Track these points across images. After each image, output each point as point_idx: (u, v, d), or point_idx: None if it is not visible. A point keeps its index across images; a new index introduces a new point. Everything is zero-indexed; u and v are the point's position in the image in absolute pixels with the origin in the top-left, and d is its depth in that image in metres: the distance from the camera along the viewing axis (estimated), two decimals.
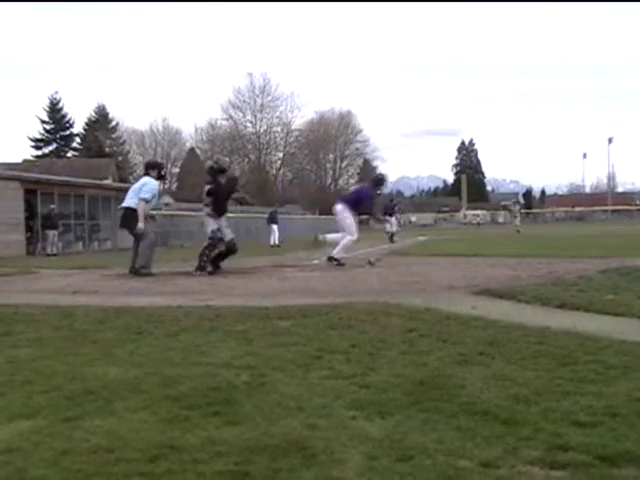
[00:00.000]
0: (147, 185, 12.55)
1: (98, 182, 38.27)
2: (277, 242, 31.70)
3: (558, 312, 6.27)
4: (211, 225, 12.69)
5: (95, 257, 22.85)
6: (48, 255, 26.29)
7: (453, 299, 7.33)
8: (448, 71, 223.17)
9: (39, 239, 28.48)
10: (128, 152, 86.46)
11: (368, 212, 15.01)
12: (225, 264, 12.88)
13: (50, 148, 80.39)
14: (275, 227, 32.93)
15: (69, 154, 79.57)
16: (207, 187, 12.80)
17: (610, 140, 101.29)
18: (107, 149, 78.68)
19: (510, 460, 2.58)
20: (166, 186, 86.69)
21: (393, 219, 31.54)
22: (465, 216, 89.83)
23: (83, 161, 63.62)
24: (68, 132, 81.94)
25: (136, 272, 12.03)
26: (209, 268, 12.36)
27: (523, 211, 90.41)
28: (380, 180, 15.38)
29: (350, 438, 2.86)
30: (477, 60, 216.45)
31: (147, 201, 12.43)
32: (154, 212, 14.37)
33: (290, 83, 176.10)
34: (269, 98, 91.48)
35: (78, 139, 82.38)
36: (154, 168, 13.24)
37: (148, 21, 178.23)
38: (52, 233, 27.98)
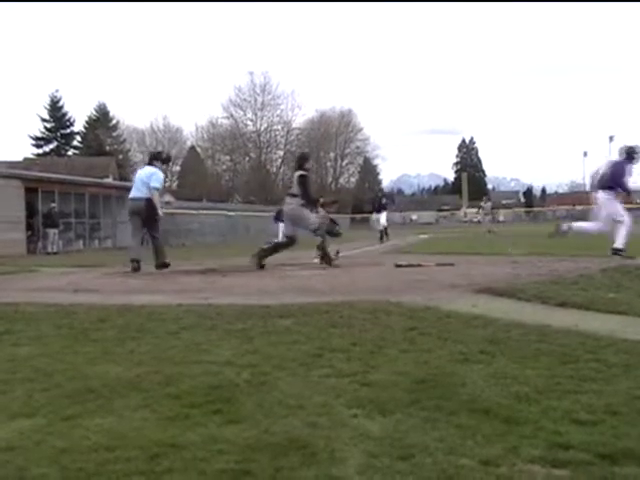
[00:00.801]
0: (156, 174, 12.80)
1: (99, 180, 38.35)
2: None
3: (559, 310, 6.26)
4: (309, 214, 12.41)
5: (96, 255, 22.86)
6: (48, 253, 26.34)
7: (454, 297, 7.33)
8: (449, 70, 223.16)
9: (40, 237, 28.52)
10: (129, 150, 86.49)
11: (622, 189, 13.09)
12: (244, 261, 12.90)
13: (51, 146, 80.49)
14: (281, 225, 32.52)
15: (70, 152, 79.67)
16: (298, 174, 12.46)
17: (611, 138, 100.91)
18: (108, 147, 78.73)
19: (511, 458, 2.58)
20: (167, 184, 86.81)
21: (382, 215, 30.90)
22: (466, 214, 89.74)
23: (84, 159, 63.68)
24: (69, 130, 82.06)
25: (164, 266, 12.61)
26: (333, 256, 12.41)
27: (520, 209, 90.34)
28: (633, 150, 12.88)
29: (351, 436, 2.85)
30: (478, 59, 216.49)
31: (158, 190, 12.73)
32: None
33: (291, 82, 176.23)
34: (270, 96, 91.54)
35: (79, 137, 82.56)
36: (157, 158, 13.59)
37: (149, 20, 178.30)
38: (52, 232, 28.02)
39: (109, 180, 46.36)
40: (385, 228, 30.11)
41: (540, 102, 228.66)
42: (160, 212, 12.80)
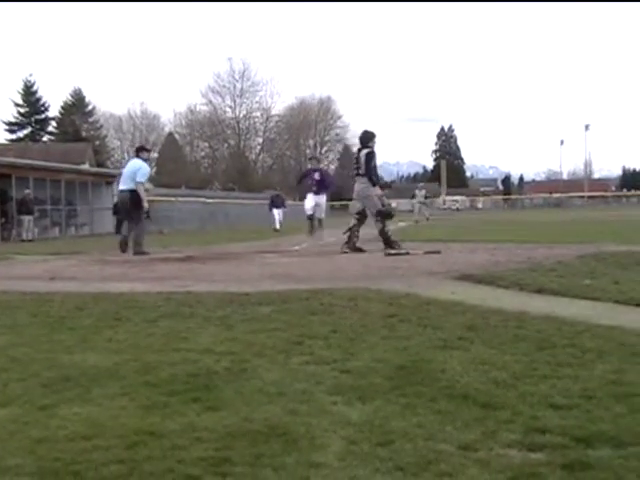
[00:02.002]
0: (142, 169, 13.89)
1: (75, 167, 37.93)
2: (277, 226, 29.72)
3: (536, 297, 6.31)
4: (376, 197, 12.22)
5: (72, 243, 22.67)
6: (23, 241, 26.06)
7: (433, 284, 7.36)
8: (429, 58, 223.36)
9: (14, 225, 28.21)
10: (105, 136, 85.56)
11: None
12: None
13: (25, 132, 79.37)
14: (276, 211, 31.04)
15: (45, 138, 78.65)
16: (365, 151, 12.21)
17: (587, 127, 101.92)
18: (84, 133, 77.82)
19: (489, 443, 2.60)
20: None
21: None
22: (444, 202, 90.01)
23: (59, 145, 62.90)
24: (43, 116, 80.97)
25: (141, 254, 13.21)
26: (397, 244, 12.14)
27: (500, 197, 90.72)
28: None
29: (331, 423, 2.86)
30: (458, 47, 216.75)
31: (142, 183, 13.75)
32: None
33: (270, 68, 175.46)
34: (249, 83, 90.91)
35: (54, 123, 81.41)
36: (143, 150, 15.28)
37: (126, 4, 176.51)
38: (27, 219, 27.72)
39: (86, 166, 45.90)
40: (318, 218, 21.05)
41: (518, 91, 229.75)
42: (145, 204, 13.84)
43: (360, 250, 12.24)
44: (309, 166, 16.22)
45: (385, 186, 13.76)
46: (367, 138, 12.40)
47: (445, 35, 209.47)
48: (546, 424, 2.77)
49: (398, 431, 2.74)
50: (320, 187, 18.42)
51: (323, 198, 18.72)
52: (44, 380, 3.71)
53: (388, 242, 12.18)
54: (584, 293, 6.26)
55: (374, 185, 12.21)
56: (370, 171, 12.13)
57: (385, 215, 12.34)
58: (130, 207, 13.78)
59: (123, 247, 13.82)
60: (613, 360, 3.81)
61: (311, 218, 18.42)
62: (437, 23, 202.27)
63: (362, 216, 12.51)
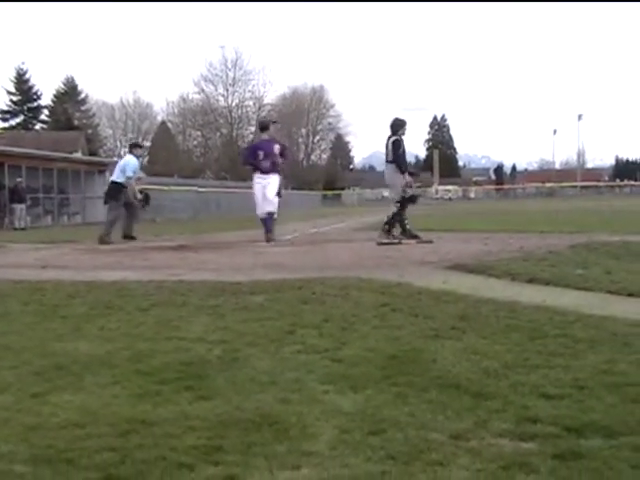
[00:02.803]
0: (129, 164, 14.96)
1: (67, 155, 37.82)
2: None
3: (528, 287, 6.33)
4: (401, 183, 12.23)
5: (64, 231, 22.62)
6: (16, 229, 26.00)
7: (425, 274, 7.37)
8: (422, 47, 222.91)
9: (6, 213, 28.11)
10: (98, 125, 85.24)
11: None
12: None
13: (17, 120, 79.03)
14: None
15: (37, 126, 78.36)
16: (393, 139, 12.27)
17: (580, 117, 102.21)
18: (76, 122, 77.49)
19: (480, 432, 2.61)
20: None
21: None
22: (437, 191, 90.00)
23: (52, 134, 62.62)
24: (36, 104, 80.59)
25: (102, 242, 13.84)
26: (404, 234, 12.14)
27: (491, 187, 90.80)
28: None
29: (322, 412, 2.87)
30: (450, 36, 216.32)
31: (130, 178, 14.80)
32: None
33: (262, 57, 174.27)
34: (241, 72, 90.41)
35: (46, 111, 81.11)
36: (135, 146, 16.87)
37: None
38: (19, 207, 27.64)
39: (78, 155, 45.78)
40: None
41: (510, 80, 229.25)
42: (136, 196, 15.05)
43: (416, 237, 12.14)
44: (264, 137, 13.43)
45: (414, 174, 13.60)
46: (397, 126, 12.45)
47: (437, 25, 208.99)
48: (537, 414, 2.78)
49: (389, 420, 2.75)
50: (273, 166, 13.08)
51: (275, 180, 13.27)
52: (36, 368, 3.70)
53: (389, 228, 12.23)
54: (576, 283, 6.27)
55: (402, 172, 12.26)
56: (398, 158, 12.23)
57: (408, 201, 12.42)
58: (107, 196, 15.27)
59: (127, 237, 14.62)
60: (605, 350, 3.83)
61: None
62: (429, 11, 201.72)
63: (407, 200, 12.54)
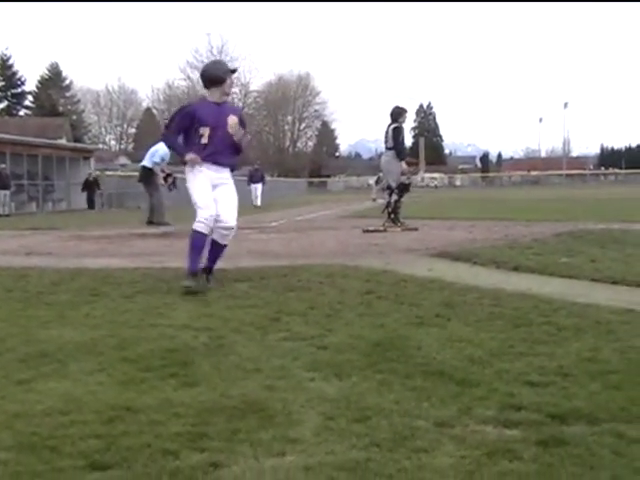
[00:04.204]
0: (158, 151, 15.45)
1: (52, 142, 37.54)
2: (258, 203, 29.03)
3: (513, 275, 6.36)
4: (399, 171, 12.31)
5: (49, 218, 22.48)
6: (0, 216, 25.82)
7: (410, 261, 7.39)
8: (407, 35, 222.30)
9: None
10: (83, 111, 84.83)
11: None
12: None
13: (1, 106, 78.39)
14: (254, 187, 30.38)
15: (21, 112, 77.76)
16: (393, 126, 12.32)
17: (565, 105, 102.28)
18: (61, 108, 76.97)
19: (464, 420, 2.62)
20: (122, 147, 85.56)
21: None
22: (423, 179, 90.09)
23: (36, 120, 62.10)
24: (20, 90, 79.93)
25: (155, 223, 15.19)
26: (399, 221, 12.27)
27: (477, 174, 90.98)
28: None
29: (308, 399, 2.87)
30: (436, 24, 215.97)
31: (158, 164, 15.62)
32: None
33: (248, 44, 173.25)
34: (227, 58, 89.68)
35: (30, 97, 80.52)
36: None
37: None
38: (3, 193, 27.46)
39: (63, 141, 45.45)
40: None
41: (497, 68, 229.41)
42: (161, 181, 15.83)
43: (402, 224, 12.30)
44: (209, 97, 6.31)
45: (412, 162, 13.63)
46: (397, 113, 12.52)
47: (424, 13, 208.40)
48: (521, 401, 2.80)
49: (374, 407, 2.76)
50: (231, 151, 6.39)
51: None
52: (21, 355, 3.69)
53: (395, 216, 12.33)
54: (561, 271, 6.31)
55: (401, 159, 12.33)
56: (397, 145, 12.29)
57: (404, 189, 12.53)
58: (141, 182, 16.16)
59: (150, 223, 15.55)
60: (588, 338, 3.85)
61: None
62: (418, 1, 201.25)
63: (402, 187, 12.60)
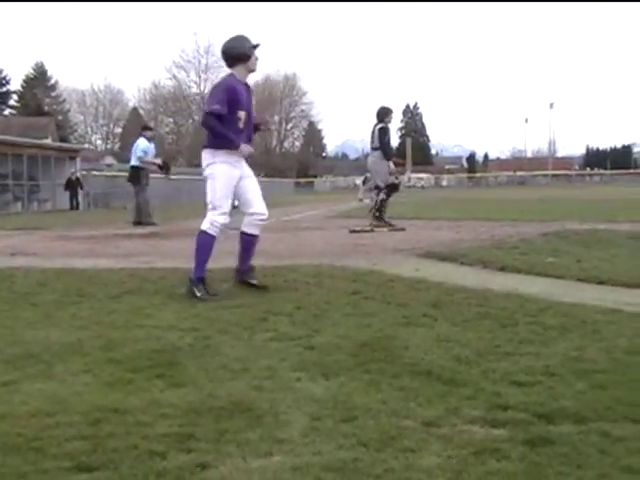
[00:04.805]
0: (139, 146, 15.67)
1: (37, 141, 37.30)
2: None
3: (500, 275, 6.37)
4: (386, 172, 12.31)
5: (35, 218, 22.35)
6: None
7: (397, 261, 7.40)
8: (394, 36, 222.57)
9: None
10: (68, 111, 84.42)
11: None
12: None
13: None
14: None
15: (6, 112, 77.22)
16: (379, 126, 12.32)
17: (551, 105, 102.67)
18: (46, 108, 76.55)
19: (452, 419, 2.63)
20: (108, 147, 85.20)
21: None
22: (409, 179, 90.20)
23: (21, 119, 61.74)
24: (4, 89, 79.37)
25: (140, 223, 15.09)
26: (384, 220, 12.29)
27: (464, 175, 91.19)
28: None
29: (295, 399, 2.87)
30: (422, 24, 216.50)
31: (142, 158, 15.50)
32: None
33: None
34: (214, 58, 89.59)
35: (15, 97, 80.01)
36: (145, 129, 16.97)
37: None
38: None
39: (48, 141, 45.19)
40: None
41: (482, 69, 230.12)
42: (154, 161, 15.80)
43: (390, 225, 12.33)
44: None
45: (398, 163, 13.62)
46: (383, 113, 12.54)
47: (410, 13, 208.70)
48: (508, 401, 2.80)
49: (362, 407, 2.76)
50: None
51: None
52: (6, 356, 3.67)
53: (380, 216, 12.34)
54: (547, 271, 6.33)
55: (388, 159, 12.36)
56: (383, 145, 12.32)
57: (392, 189, 12.59)
58: (129, 181, 15.99)
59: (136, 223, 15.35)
60: (575, 337, 3.87)
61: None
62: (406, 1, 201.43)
63: (391, 187, 12.64)
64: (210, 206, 5.64)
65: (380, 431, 2.51)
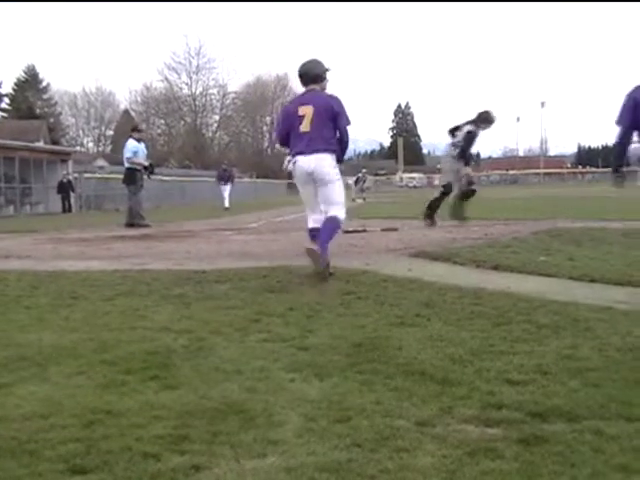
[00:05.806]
0: (127, 147, 16.00)
1: (29, 144, 37.19)
2: (226, 204, 28.35)
3: (493, 273, 6.38)
4: (452, 171, 12.22)
5: (27, 221, 22.31)
6: None
7: (390, 261, 7.40)
8: (385, 34, 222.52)
9: None
10: (60, 114, 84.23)
11: None
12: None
13: None
14: (223, 187, 29.68)
15: None
16: (468, 127, 11.93)
17: (542, 104, 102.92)
18: (38, 110, 76.36)
19: (446, 419, 2.63)
20: (100, 149, 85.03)
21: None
22: (401, 179, 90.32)
23: (13, 122, 61.57)
24: None
25: (133, 225, 15.21)
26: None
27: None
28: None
29: (288, 400, 2.87)
30: (412, 23, 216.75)
31: (129, 158, 15.71)
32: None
33: (226, 45, 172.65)
34: (205, 60, 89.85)
35: (7, 100, 79.77)
36: (133, 130, 17.25)
37: None
38: None
39: (40, 144, 45.05)
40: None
41: (474, 67, 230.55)
42: (141, 162, 15.84)
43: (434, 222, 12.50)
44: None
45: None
46: (483, 119, 12.06)
47: (401, 13, 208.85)
48: (502, 400, 2.81)
49: (355, 408, 2.76)
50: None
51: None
52: (0, 359, 3.66)
53: (429, 211, 12.57)
54: (539, 269, 6.35)
55: (466, 164, 12.23)
56: (464, 150, 12.06)
57: (470, 194, 12.54)
58: (124, 182, 16.08)
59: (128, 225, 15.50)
60: (567, 335, 3.88)
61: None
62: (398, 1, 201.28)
63: (446, 189, 12.54)
64: (342, 203, 6.61)
65: (374, 431, 2.51)
